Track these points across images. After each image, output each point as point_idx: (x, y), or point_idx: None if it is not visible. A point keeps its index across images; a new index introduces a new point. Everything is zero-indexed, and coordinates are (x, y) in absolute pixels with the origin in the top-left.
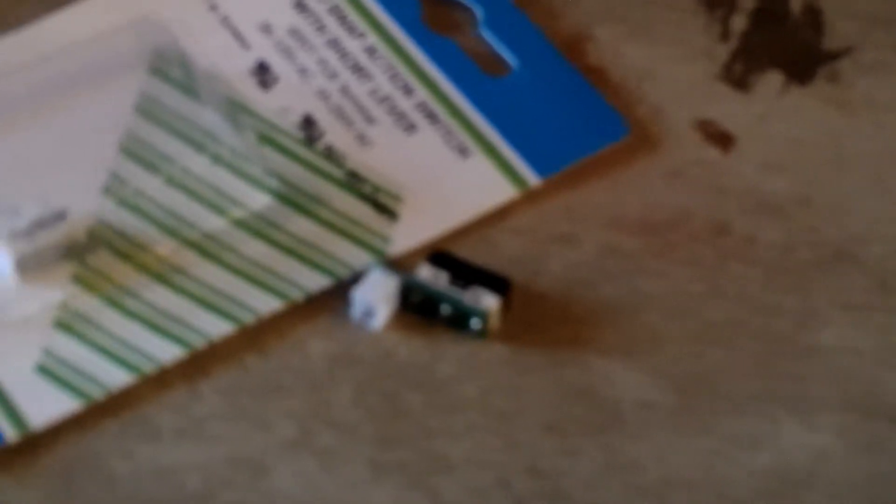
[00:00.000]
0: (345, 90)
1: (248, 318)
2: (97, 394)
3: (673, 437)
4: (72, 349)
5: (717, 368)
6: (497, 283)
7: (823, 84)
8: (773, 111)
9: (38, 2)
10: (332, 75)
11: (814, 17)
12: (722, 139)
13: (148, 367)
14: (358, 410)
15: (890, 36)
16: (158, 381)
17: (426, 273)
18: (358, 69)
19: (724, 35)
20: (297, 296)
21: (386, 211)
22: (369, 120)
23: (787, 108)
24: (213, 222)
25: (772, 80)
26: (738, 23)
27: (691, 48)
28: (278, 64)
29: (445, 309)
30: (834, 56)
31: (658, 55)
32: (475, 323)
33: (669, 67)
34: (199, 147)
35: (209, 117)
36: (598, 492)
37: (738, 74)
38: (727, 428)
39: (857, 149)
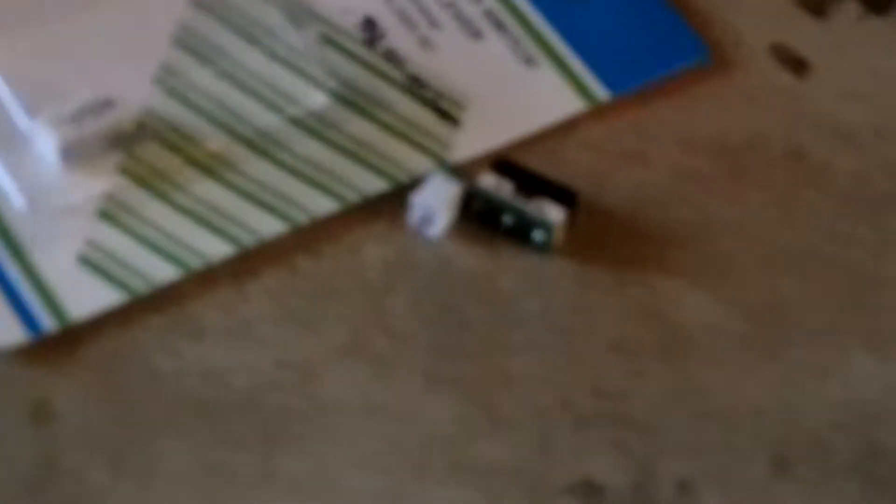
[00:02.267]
0: None
1: (302, 219)
2: (141, 288)
3: (742, 364)
4: (116, 241)
5: (788, 296)
6: (563, 196)
7: None
8: (850, 39)
9: None
10: None
11: None
12: (798, 65)
13: (195, 263)
14: (414, 319)
15: None
16: (205, 279)
17: (489, 181)
18: None
19: None
20: (354, 198)
21: (448, 117)
22: (433, 24)
23: (864, 36)
24: (267, 119)
25: (849, 8)
26: None
27: None
28: None
29: (508, 219)
30: None
31: None
32: (539, 235)
33: None
34: (254, 41)
35: (268, 13)
36: (663, 415)
37: (816, 1)
38: (797, 357)
39: None
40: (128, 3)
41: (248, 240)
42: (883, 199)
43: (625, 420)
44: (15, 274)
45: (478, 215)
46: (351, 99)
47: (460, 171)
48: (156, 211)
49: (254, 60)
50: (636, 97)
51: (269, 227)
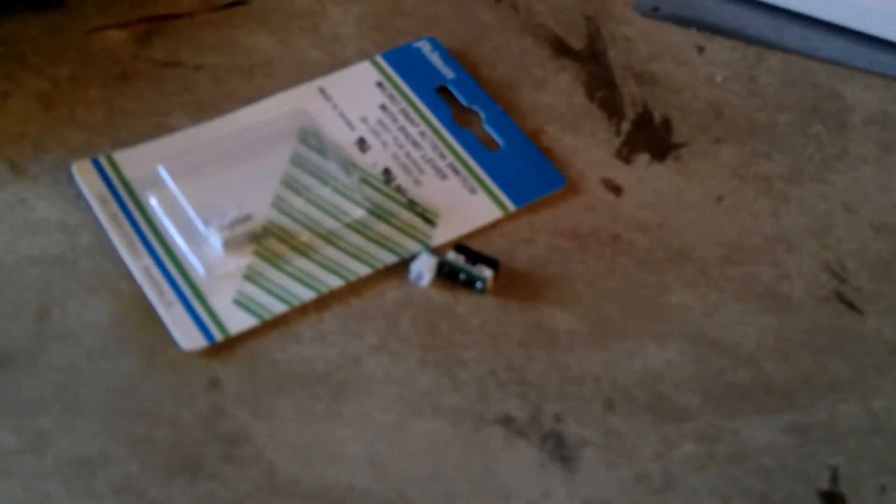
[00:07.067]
0: (408, 155)
1: (352, 277)
2: (267, 315)
3: (587, 351)
4: (252, 291)
5: (612, 314)
6: (491, 263)
7: (672, 162)
8: (644, 175)
9: (236, 100)
10: (401, 146)
11: (667, 124)
12: (615, 189)
13: (296, 302)
14: (412, 331)
15: (709, 136)
16: (300, 311)
17: (452, 256)
18: (415, 143)
19: (617, 132)
20: (380, 266)
21: (429, 221)
22: (421, 171)
23: (652, 174)
24: (332, 223)
25: (643, 159)
26: (625, 126)
27: (599, 139)
28: (370, 139)
29: (462, 276)
30: (678, 146)
31: (581, 143)
32: (479, 285)
33: (587, 149)
34: (325, 182)
35: (332, 167)
36: (545, 380)
37: (625, 154)
38: (617, 347)
39: (689, 198)
40: (258, 162)
41: (323, 289)
42: (661, 261)
43: (525, 382)
44: (200, 311)
45: (446, 274)
46: (377, 212)
47: (436, 250)
48: (273, 274)
49: (325, 192)
50: (529, 207)
51: (334, 282)
